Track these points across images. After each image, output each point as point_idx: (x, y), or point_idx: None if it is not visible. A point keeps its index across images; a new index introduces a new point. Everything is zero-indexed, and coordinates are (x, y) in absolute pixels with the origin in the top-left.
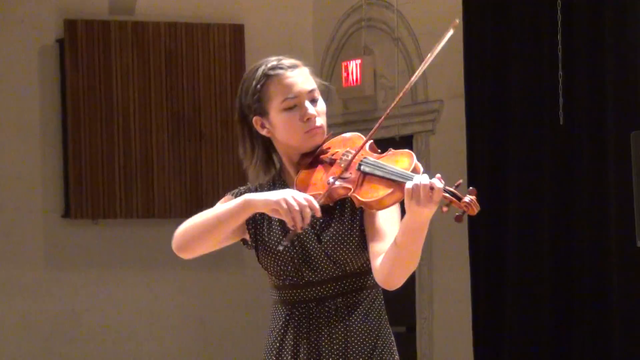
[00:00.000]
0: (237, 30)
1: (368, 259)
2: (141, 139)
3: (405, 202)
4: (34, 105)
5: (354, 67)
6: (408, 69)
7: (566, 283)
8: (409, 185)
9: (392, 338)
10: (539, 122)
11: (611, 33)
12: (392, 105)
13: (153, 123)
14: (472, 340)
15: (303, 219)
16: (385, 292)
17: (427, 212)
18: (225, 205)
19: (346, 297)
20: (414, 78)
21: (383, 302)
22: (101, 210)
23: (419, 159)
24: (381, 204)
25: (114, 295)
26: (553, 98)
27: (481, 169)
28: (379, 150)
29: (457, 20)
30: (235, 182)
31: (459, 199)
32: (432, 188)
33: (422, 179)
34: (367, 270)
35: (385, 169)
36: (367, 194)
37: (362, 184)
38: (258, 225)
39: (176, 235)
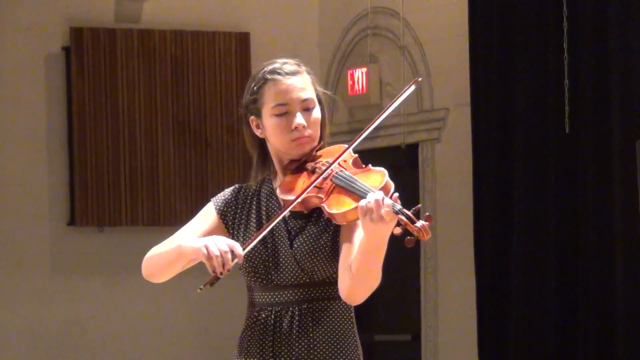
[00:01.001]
0: (243, 39)
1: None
2: (147, 147)
3: (360, 219)
4: (39, 113)
5: (359, 75)
6: (414, 76)
7: (572, 291)
8: (362, 202)
9: (358, 352)
10: (545, 130)
11: (617, 41)
12: (356, 139)
13: (159, 130)
14: (477, 349)
15: (224, 264)
16: (390, 300)
17: (381, 231)
18: (181, 245)
19: (311, 304)
20: (372, 123)
21: (352, 314)
22: (107, 218)
23: (424, 168)
24: (345, 218)
25: (119, 302)
26: (559, 106)
27: (487, 177)
28: (363, 166)
29: (420, 79)
30: None
31: (413, 222)
32: (385, 206)
33: (376, 195)
34: (336, 281)
35: (354, 183)
36: (334, 206)
37: (331, 196)
38: (236, 226)
39: (143, 263)
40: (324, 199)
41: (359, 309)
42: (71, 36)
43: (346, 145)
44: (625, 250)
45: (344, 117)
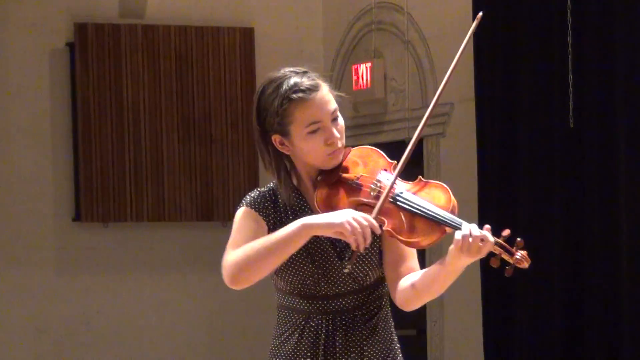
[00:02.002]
0: (248, 34)
1: (382, 271)
2: (151, 143)
3: (453, 250)
4: (44, 109)
5: (364, 70)
6: (418, 71)
7: (577, 285)
8: (458, 235)
9: (397, 342)
10: (549, 125)
11: (621, 36)
12: (421, 126)
13: (163, 126)
14: (482, 343)
15: (365, 239)
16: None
17: (468, 262)
18: (279, 233)
19: (363, 309)
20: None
21: (389, 307)
22: (111, 214)
23: (429, 162)
24: (419, 245)
25: (124, 298)
26: (563, 101)
27: (491, 172)
28: (418, 179)
29: (480, 13)
30: (246, 185)
31: (511, 253)
32: (482, 240)
33: (473, 229)
34: (380, 279)
35: (424, 209)
36: (406, 234)
37: (395, 218)
38: (276, 225)
39: (228, 267)
40: (386, 223)
41: None
42: (75, 32)
43: (374, 148)
44: (631, 244)
45: (348, 112)
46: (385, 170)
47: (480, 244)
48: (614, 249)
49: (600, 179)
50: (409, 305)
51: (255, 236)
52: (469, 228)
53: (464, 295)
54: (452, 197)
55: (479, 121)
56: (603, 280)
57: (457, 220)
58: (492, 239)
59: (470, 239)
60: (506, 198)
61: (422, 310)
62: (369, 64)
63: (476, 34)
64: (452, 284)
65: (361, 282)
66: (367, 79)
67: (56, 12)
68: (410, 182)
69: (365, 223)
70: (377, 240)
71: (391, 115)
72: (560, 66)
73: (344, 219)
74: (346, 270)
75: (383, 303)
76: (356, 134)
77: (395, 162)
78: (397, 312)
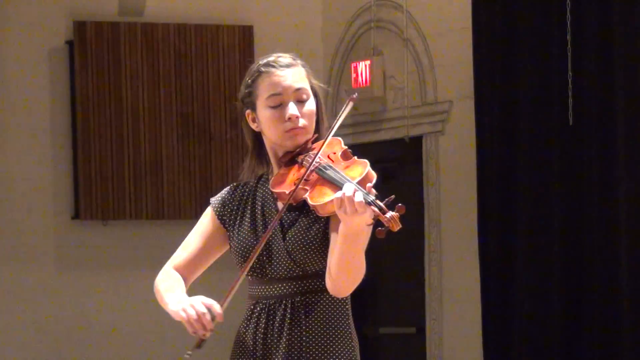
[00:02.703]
0: (247, 32)
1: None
2: (150, 141)
3: (336, 212)
4: (43, 107)
5: (363, 68)
6: (417, 69)
7: (576, 284)
8: (337, 194)
9: (353, 343)
10: (548, 123)
11: (620, 34)
12: (329, 133)
13: (162, 124)
14: (481, 341)
15: (204, 325)
16: (394, 293)
17: (355, 222)
18: (168, 292)
19: (305, 297)
20: (328, 135)
21: (348, 306)
22: (111, 212)
23: (428, 160)
24: (325, 209)
25: (124, 296)
26: (562, 99)
27: (490, 170)
28: (353, 157)
29: (355, 95)
30: None
31: (383, 212)
32: (352, 198)
33: (348, 188)
34: (324, 273)
35: (335, 175)
36: (316, 198)
37: (315, 188)
38: (232, 222)
39: (154, 287)
40: (308, 191)
41: (363, 302)
42: (75, 30)
43: (338, 138)
44: (630, 243)
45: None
46: (335, 154)
47: (354, 203)
48: (613, 246)
49: (599, 177)
50: (334, 285)
51: (204, 239)
52: (346, 188)
53: (463, 293)
54: (366, 171)
55: (478, 119)
56: (602, 278)
57: (346, 182)
58: (360, 197)
59: (345, 198)
60: (505, 196)
61: (422, 309)
62: (368, 62)
63: (475, 32)
64: (449, 282)
65: (302, 266)
66: (366, 77)
67: (55, 10)
68: (345, 161)
69: (203, 310)
70: (321, 224)
71: (390, 113)
72: (559, 64)
73: (180, 307)
74: (186, 357)
75: (330, 296)
76: (355, 132)
77: (347, 148)
78: (397, 310)
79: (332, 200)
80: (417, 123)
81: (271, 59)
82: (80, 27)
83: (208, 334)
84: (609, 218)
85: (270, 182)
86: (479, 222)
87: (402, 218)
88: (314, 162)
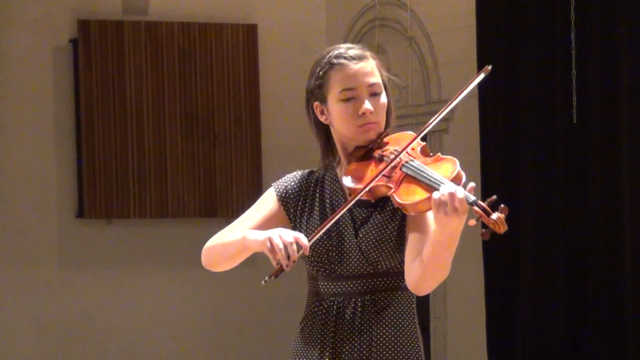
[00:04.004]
0: (251, 30)
1: (402, 260)
2: (155, 139)
3: (433, 211)
4: (47, 106)
5: None
6: (421, 68)
7: (580, 282)
8: (435, 194)
9: (419, 342)
10: (552, 121)
11: (625, 32)
12: (425, 128)
13: (166, 123)
14: (485, 340)
15: (289, 256)
16: None
17: (454, 224)
18: (238, 236)
19: (375, 296)
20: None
21: (415, 305)
22: (115, 210)
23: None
24: (416, 208)
25: (128, 294)
26: (566, 97)
27: (494, 169)
28: (431, 154)
29: (489, 67)
30: (249, 181)
31: (488, 214)
32: (453, 196)
33: (449, 187)
34: (400, 271)
35: (424, 173)
36: (405, 196)
37: (402, 185)
38: (298, 214)
39: (203, 252)
40: (393, 189)
41: None
42: (79, 29)
43: (414, 133)
44: (634, 241)
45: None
46: (414, 149)
47: (456, 202)
48: (617, 244)
49: (603, 175)
50: (419, 285)
51: (264, 218)
52: (447, 187)
53: (467, 292)
54: (457, 169)
55: (482, 118)
56: (607, 277)
57: (443, 181)
58: (462, 194)
59: (447, 197)
60: (509, 194)
61: (425, 307)
62: None
63: (479, 30)
64: (453, 281)
65: (375, 265)
66: None
67: (59, 8)
68: (429, 157)
69: (290, 240)
70: (396, 222)
71: (395, 111)
72: (563, 62)
73: (266, 236)
74: (263, 283)
75: (400, 296)
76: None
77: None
78: None
79: (426, 199)
80: (421, 121)
81: (342, 50)
82: (84, 25)
83: (290, 266)
84: (614, 216)
85: (343, 177)
86: (482, 220)
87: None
88: (398, 157)
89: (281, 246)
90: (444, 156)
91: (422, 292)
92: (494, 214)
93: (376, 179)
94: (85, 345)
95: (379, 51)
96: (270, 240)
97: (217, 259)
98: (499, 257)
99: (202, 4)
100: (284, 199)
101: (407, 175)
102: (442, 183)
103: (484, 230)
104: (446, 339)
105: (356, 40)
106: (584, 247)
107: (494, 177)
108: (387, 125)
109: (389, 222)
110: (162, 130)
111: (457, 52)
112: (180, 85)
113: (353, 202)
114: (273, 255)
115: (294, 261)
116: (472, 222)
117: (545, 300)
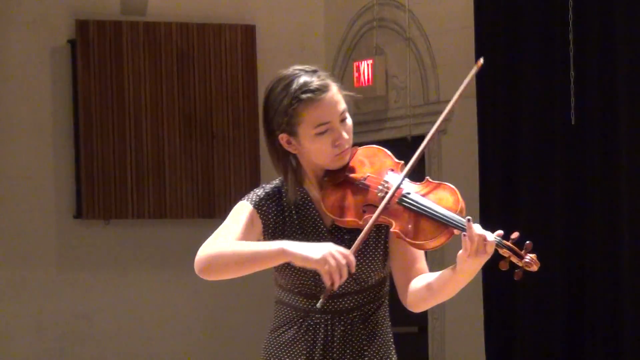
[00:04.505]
0: (249, 31)
1: (384, 269)
2: (153, 140)
3: (461, 253)
4: (45, 106)
5: (365, 67)
6: (419, 68)
7: (578, 282)
8: (465, 238)
9: (392, 341)
10: (551, 122)
11: (623, 33)
12: (432, 131)
13: (165, 123)
14: (484, 340)
15: (341, 277)
16: (396, 293)
17: (478, 264)
18: (260, 245)
19: (361, 311)
20: (450, 104)
21: (388, 306)
22: (113, 211)
23: (431, 160)
24: (425, 247)
25: (126, 295)
26: (565, 98)
27: (493, 169)
28: (427, 179)
29: (481, 61)
30: (247, 181)
31: (520, 256)
32: (485, 240)
33: (477, 229)
34: (383, 278)
35: (431, 210)
36: (413, 236)
37: (403, 219)
38: (277, 227)
39: (201, 257)
40: (393, 224)
41: None
42: (77, 29)
43: (378, 147)
44: (632, 241)
45: (349, 109)
46: (392, 170)
47: (484, 244)
48: (616, 245)
49: (601, 176)
50: (421, 306)
51: (245, 234)
52: (475, 229)
53: (465, 293)
54: (460, 199)
55: (481, 118)
56: (605, 277)
57: (462, 221)
58: (492, 238)
59: (476, 239)
60: (508, 195)
61: None
62: (370, 61)
63: (478, 31)
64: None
65: (363, 284)
66: (368, 76)
67: (57, 9)
68: (419, 183)
69: (343, 261)
70: (382, 241)
71: (392, 112)
72: (561, 63)
73: (322, 255)
74: (318, 306)
75: (382, 302)
76: (357, 131)
77: (402, 162)
78: (398, 309)
79: (439, 237)
80: (420, 122)
81: (305, 80)
82: (82, 26)
83: (337, 285)
84: (612, 217)
85: (323, 204)
86: (480, 221)
87: None
88: (394, 190)
89: (335, 267)
90: (433, 181)
91: (419, 311)
92: (527, 256)
93: (375, 216)
94: (84, 345)
95: (377, 52)
96: (325, 260)
97: (222, 268)
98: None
99: (200, 4)
100: (263, 212)
101: (407, 209)
102: (459, 222)
103: (516, 271)
104: (444, 339)
105: (355, 41)
106: (582, 248)
107: (492, 178)
108: None
109: (375, 242)
110: (160, 130)
111: (455, 53)
112: (178, 86)
113: (363, 238)
114: (328, 275)
115: (344, 281)
116: (504, 265)
117: (544, 301)
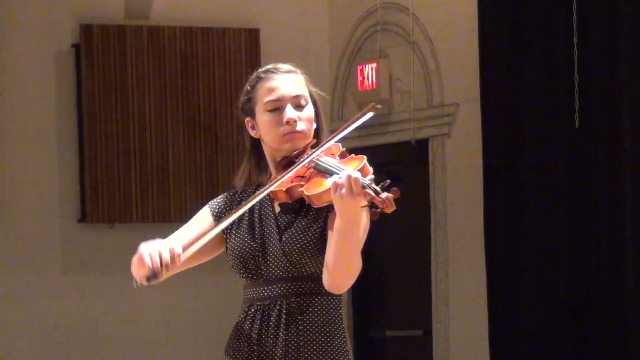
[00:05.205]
0: (253, 35)
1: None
2: (157, 144)
3: (332, 198)
4: (50, 110)
5: (369, 70)
6: (424, 72)
7: (583, 285)
8: (329, 180)
9: (347, 347)
10: (555, 125)
11: (626, 35)
12: (343, 129)
13: (169, 127)
14: (488, 344)
15: (162, 262)
16: (401, 296)
17: (350, 206)
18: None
19: (300, 298)
20: (333, 137)
21: (341, 309)
22: (117, 215)
23: (435, 163)
24: (320, 198)
25: (130, 299)
26: (569, 101)
27: (497, 173)
28: (347, 156)
29: (379, 106)
30: None
31: (377, 194)
32: (352, 177)
33: (346, 171)
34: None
35: (330, 165)
36: (312, 189)
37: (311, 180)
38: (229, 226)
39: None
40: (304, 185)
41: (370, 305)
42: (81, 33)
43: (337, 143)
44: (637, 245)
45: (353, 112)
46: (333, 154)
47: (350, 186)
48: (620, 248)
49: (605, 179)
50: (332, 281)
51: (191, 227)
52: (344, 172)
53: (469, 296)
54: (365, 164)
55: (485, 122)
56: (610, 281)
57: (340, 169)
58: (356, 175)
59: (344, 180)
60: (511, 198)
61: (428, 311)
62: (374, 65)
63: (482, 35)
64: (455, 285)
65: (298, 268)
66: (372, 80)
67: (62, 13)
68: (343, 159)
69: (165, 248)
70: (319, 226)
71: (396, 116)
72: (565, 66)
73: (144, 246)
74: (134, 286)
75: (325, 300)
76: (361, 135)
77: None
78: (402, 313)
79: (328, 189)
80: (424, 126)
81: (270, 66)
82: (86, 30)
83: (163, 274)
84: (616, 220)
85: (267, 184)
86: (485, 224)
87: (407, 215)
88: (310, 158)
89: (155, 252)
90: (356, 156)
91: (337, 289)
92: (382, 193)
93: (289, 176)
94: (88, 349)
95: (381, 56)
96: (145, 248)
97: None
98: (501, 261)
99: (204, 8)
100: (218, 216)
101: (316, 171)
102: (340, 169)
103: (373, 210)
104: (448, 343)
105: (359, 44)
106: (587, 251)
107: (496, 180)
108: (315, 137)
109: (311, 225)
110: (165, 134)
111: (459, 57)
112: (182, 90)
113: (258, 198)
114: (147, 259)
115: (167, 266)
116: (363, 202)
117: (548, 303)
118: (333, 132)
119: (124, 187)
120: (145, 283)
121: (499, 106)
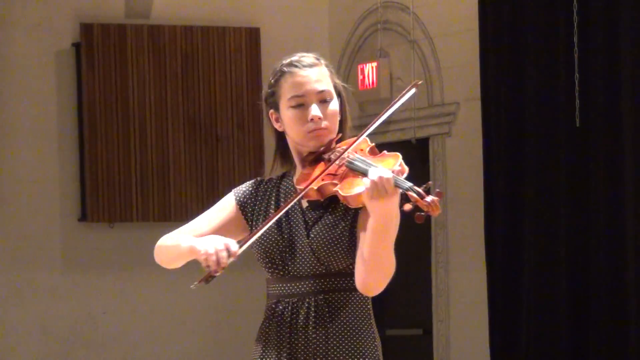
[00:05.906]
0: (253, 34)
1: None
2: (157, 143)
3: (365, 198)
4: (50, 110)
5: (369, 69)
6: (424, 71)
7: (583, 286)
8: (365, 180)
9: (376, 343)
10: (555, 124)
11: (627, 35)
12: (365, 130)
13: (169, 126)
14: (488, 343)
15: (218, 262)
16: (401, 295)
17: (386, 208)
18: (190, 241)
19: (328, 295)
20: (379, 119)
21: (370, 307)
22: (118, 214)
23: (435, 162)
24: (356, 200)
25: (131, 298)
26: (569, 100)
27: (497, 172)
28: (382, 152)
29: (420, 82)
30: None
31: (422, 197)
32: (385, 178)
33: (380, 171)
34: (353, 272)
35: (365, 165)
36: (346, 189)
37: (345, 180)
38: (254, 217)
39: (155, 249)
40: (338, 185)
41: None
42: (81, 32)
43: (365, 137)
44: (637, 243)
45: (354, 111)
46: (362, 150)
47: (385, 185)
48: (620, 245)
49: (606, 178)
50: (365, 282)
51: (221, 223)
52: (378, 171)
53: (470, 296)
54: (400, 162)
55: (485, 121)
56: (610, 280)
57: (375, 167)
58: (389, 174)
59: (377, 179)
60: (512, 198)
61: (429, 311)
62: (374, 64)
63: (482, 33)
64: (456, 284)
65: (326, 265)
66: (372, 79)
67: (62, 12)
68: (375, 156)
69: (221, 247)
70: (348, 221)
71: (397, 114)
72: (566, 65)
73: (204, 244)
74: (192, 287)
75: (356, 298)
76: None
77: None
78: (403, 312)
79: (360, 191)
80: (424, 125)
81: (294, 58)
82: (87, 29)
83: (220, 271)
84: (617, 220)
85: (295, 179)
86: (485, 224)
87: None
88: (342, 156)
89: (211, 252)
90: (389, 153)
91: (370, 291)
92: (428, 196)
93: (321, 176)
94: (89, 348)
95: (381, 55)
96: (201, 245)
97: (164, 258)
98: (502, 261)
99: (204, 7)
100: (242, 204)
101: (349, 170)
102: (377, 168)
103: (418, 213)
104: (449, 342)
105: (359, 43)
106: (587, 249)
107: (496, 179)
108: (340, 132)
109: (339, 222)
110: (165, 133)
111: (459, 56)
112: (182, 89)
113: (297, 198)
114: (204, 259)
115: (224, 267)
116: (408, 206)
117: (548, 302)
118: (355, 126)
119: (124, 186)
120: (204, 284)
121: (500, 105)
